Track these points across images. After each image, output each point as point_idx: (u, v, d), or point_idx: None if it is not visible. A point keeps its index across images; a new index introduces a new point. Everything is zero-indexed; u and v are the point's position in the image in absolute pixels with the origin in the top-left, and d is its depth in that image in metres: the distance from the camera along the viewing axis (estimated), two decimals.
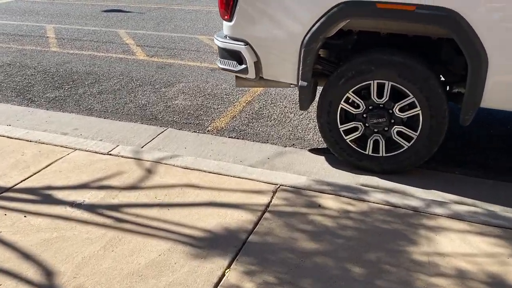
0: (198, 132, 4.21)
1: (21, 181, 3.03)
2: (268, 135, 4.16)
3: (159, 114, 4.62)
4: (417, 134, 3.24)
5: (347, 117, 3.44)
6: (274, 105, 4.85)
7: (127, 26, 8.77)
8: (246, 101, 4.95)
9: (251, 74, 3.58)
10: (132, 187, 2.99)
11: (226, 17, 3.52)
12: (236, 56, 3.59)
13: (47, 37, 7.85)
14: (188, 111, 4.68)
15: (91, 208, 2.74)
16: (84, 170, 3.21)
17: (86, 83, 5.51)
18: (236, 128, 4.30)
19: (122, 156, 3.42)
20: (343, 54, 3.68)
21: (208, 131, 4.24)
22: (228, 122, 4.43)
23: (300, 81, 3.38)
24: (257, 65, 3.54)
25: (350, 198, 2.88)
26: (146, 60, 6.50)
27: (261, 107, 4.79)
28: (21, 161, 3.32)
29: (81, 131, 4.17)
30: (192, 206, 2.77)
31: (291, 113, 4.66)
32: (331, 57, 3.80)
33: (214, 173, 3.18)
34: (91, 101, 4.95)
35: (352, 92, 3.30)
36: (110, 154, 3.45)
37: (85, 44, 7.33)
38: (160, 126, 4.32)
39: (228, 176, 3.14)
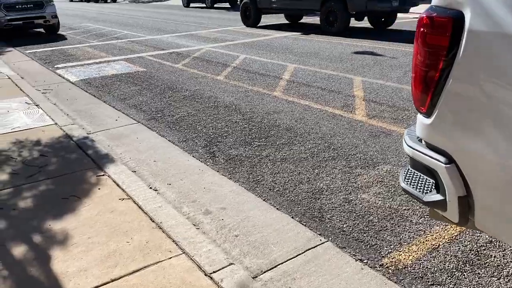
0: (365, 263, 2.74)
1: None
2: None
3: (329, 212, 3.34)
4: None
5: None
6: None
7: (368, 73, 7.68)
8: None
9: (451, 215, 1.94)
10: None
11: (422, 108, 2.00)
12: (431, 176, 2.02)
13: (280, 78, 7.57)
14: (371, 218, 3.23)
15: None
16: None
17: (277, 142, 4.71)
18: (429, 274, 2.62)
19: None
20: None
21: (381, 265, 2.72)
22: (421, 256, 2.77)
23: None
24: (465, 202, 1.89)
25: None
26: (362, 121, 5.25)
27: (491, 242, 2.88)
28: (117, 252, 2.68)
29: (225, 213, 3.33)
30: None
31: None
32: None
33: None
34: (266, 170, 4.09)
35: None
36: (211, 278, 2.44)
37: (309, 92, 6.63)
38: (319, 234, 3.05)
39: None
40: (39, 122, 5.20)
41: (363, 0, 11.23)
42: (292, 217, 3.28)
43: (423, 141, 2.05)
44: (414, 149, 2.06)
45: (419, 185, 2.12)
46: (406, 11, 13.02)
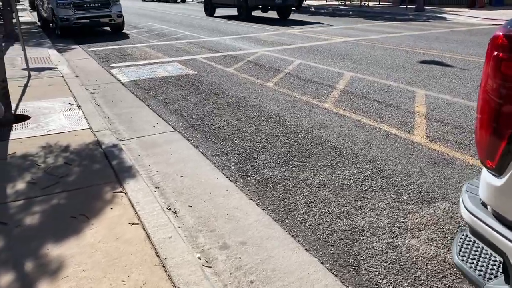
0: None
1: None
2: None
3: (367, 260, 2.78)
4: None
5: None
6: None
7: (433, 86, 6.88)
8: None
9: None
10: None
11: (489, 162, 1.43)
12: (498, 252, 1.45)
13: (334, 88, 6.98)
14: (418, 273, 2.63)
15: None
16: None
17: (318, 164, 4.19)
18: None
19: None
20: None
21: None
22: None
23: None
24: None
25: None
26: (420, 144, 4.57)
27: None
28: None
29: (244, 250, 2.88)
30: None
31: None
32: None
33: None
34: (301, 197, 3.59)
35: None
36: None
37: (364, 105, 6.01)
38: None
39: None
40: (75, 126, 5.06)
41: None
42: (322, 263, 2.77)
43: (488, 208, 1.47)
44: (475, 216, 1.49)
45: (479, 263, 1.55)
46: (293, 6, 19.95)
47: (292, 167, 4.15)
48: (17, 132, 4.83)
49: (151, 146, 4.74)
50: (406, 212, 3.31)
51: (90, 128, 4.99)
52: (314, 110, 5.86)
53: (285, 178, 3.94)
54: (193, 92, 7.02)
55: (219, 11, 22.97)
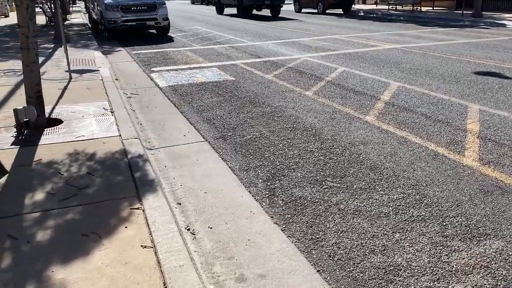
0: None
1: None
2: None
3: None
4: None
5: None
6: None
7: (489, 101, 6.29)
8: None
9: None
10: None
11: None
12: None
13: (378, 99, 6.54)
14: None
15: None
16: None
17: (354, 186, 3.82)
18: None
19: None
20: None
21: None
22: None
23: None
24: None
25: None
26: (471, 168, 4.10)
27: None
28: None
29: (263, 285, 2.60)
30: None
31: None
32: None
33: None
34: (331, 224, 3.25)
35: None
36: None
37: (410, 119, 5.54)
38: None
39: None
40: (105, 132, 4.96)
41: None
42: None
43: None
44: None
45: None
46: (280, 6, 23.77)
47: (325, 188, 3.81)
48: (47, 137, 4.80)
49: (178, 157, 4.56)
50: (451, 250, 2.90)
51: (120, 135, 4.87)
52: (354, 123, 5.47)
53: (316, 200, 3.61)
54: (228, 100, 6.81)
55: (227, 10, 26.94)
